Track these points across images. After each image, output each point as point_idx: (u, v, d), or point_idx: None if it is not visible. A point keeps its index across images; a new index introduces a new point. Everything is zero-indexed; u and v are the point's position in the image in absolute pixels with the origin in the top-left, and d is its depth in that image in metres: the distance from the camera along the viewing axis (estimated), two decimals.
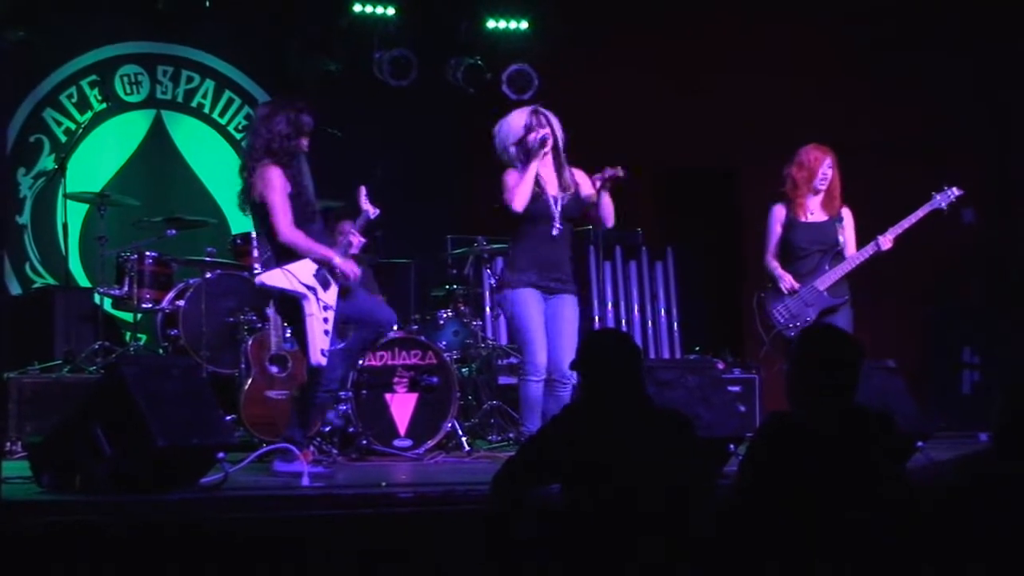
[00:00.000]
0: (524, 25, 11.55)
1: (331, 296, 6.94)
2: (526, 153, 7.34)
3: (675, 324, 11.55)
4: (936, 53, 10.67)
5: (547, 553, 4.73)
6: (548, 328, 7.26)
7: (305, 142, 7.03)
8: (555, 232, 7.31)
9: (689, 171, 11.79)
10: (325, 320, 6.88)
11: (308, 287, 6.86)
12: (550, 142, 7.33)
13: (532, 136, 7.34)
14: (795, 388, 4.59)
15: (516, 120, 7.42)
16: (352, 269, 6.99)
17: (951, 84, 10.70)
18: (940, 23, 10.59)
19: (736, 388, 9.42)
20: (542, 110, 7.42)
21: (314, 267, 6.92)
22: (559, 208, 7.33)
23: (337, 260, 6.93)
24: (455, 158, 11.74)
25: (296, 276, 6.86)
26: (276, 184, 6.85)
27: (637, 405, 4.82)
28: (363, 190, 7.51)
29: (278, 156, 6.91)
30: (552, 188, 7.36)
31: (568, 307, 7.33)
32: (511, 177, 7.35)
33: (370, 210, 7.33)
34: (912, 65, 10.77)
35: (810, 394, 4.53)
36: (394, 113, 11.31)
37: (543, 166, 7.37)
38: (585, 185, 7.39)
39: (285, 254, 6.91)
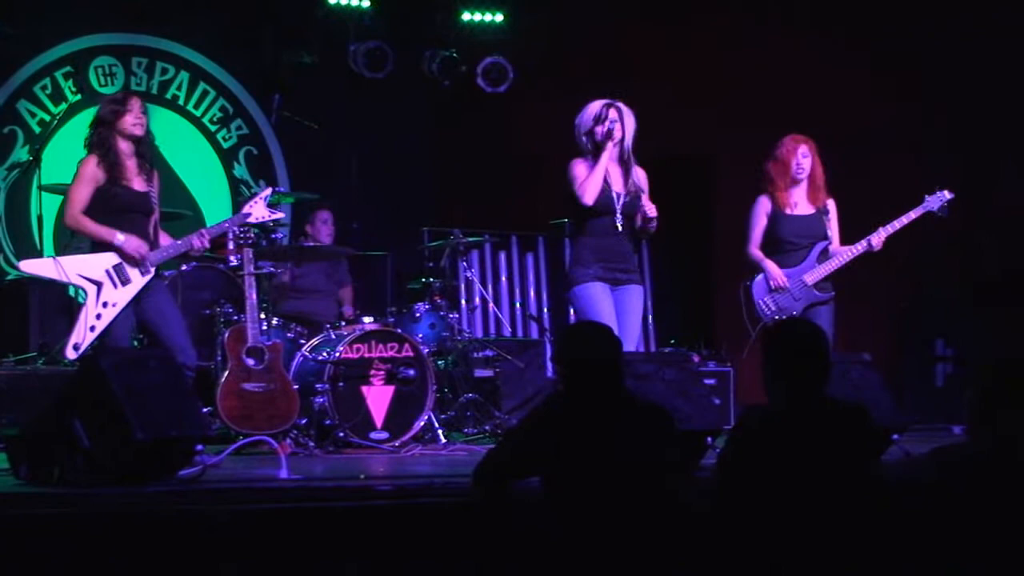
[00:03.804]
0: (499, 18, 11.56)
1: (121, 295, 6.96)
2: (594, 145, 7.29)
3: (650, 317, 11.58)
4: (915, 43, 10.71)
5: (527, 545, 4.75)
6: (618, 319, 7.15)
7: (128, 125, 7.01)
8: (619, 226, 7.29)
9: (664, 162, 11.80)
10: (98, 316, 6.90)
11: (90, 280, 6.93)
12: (617, 136, 7.28)
13: (599, 128, 7.26)
14: (769, 381, 4.63)
15: (591, 110, 7.33)
16: (135, 247, 6.96)
17: (929, 75, 10.74)
18: (923, 14, 10.63)
19: (711, 381, 9.45)
20: (617, 104, 7.35)
21: (112, 262, 6.97)
22: (620, 204, 7.28)
23: (117, 240, 6.92)
24: (431, 150, 11.76)
25: (69, 267, 6.96)
26: (83, 174, 6.97)
27: (617, 398, 4.83)
28: (266, 192, 7.65)
29: (100, 145, 6.99)
30: (617, 183, 7.31)
31: (634, 298, 7.31)
32: (578, 168, 7.27)
33: (253, 213, 7.53)
34: (890, 55, 10.81)
35: (783, 386, 4.57)
36: (369, 105, 11.32)
37: (611, 161, 7.30)
38: (645, 189, 7.37)
39: (77, 243, 7.12)
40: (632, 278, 7.36)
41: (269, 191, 7.80)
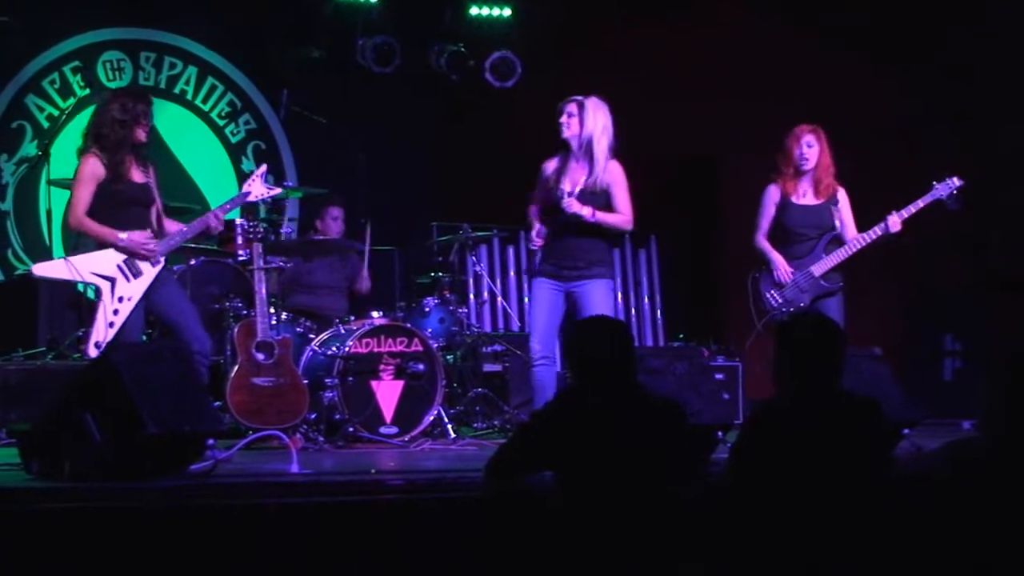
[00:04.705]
0: (507, 12, 11.55)
1: (134, 288, 7.01)
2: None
3: (658, 312, 11.58)
4: (920, 37, 10.70)
5: (539, 540, 4.75)
6: (576, 316, 7.21)
7: (141, 132, 7.12)
8: (570, 223, 7.28)
9: (671, 158, 11.82)
10: (116, 312, 6.96)
11: (104, 277, 6.99)
12: (568, 132, 7.31)
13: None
14: (782, 375, 4.62)
15: None
16: (139, 243, 7.01)
17: (934, 69, 10.73)
18: (928, 13, 10.62)
19: (720, 376, 9.43)
20: (579, 99, 7.34)
21: (120, 257, 7.04)
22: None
23: (121, 240, 6.99)
24: (439, 145, 11.74)
25: (82, 266, 7.01)
26: (84, 173, 7.05)
27: (629, 391, 4.83)
28: (262, 169, 7.71)
29: (102, 143, 7.04)
30: (570, 181, 7.31)
31: (593, 293, 7.26)
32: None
33: (252, 191, 7.59)
34: (894, 51, 10.80)
35: (796, 380, 4.57)
36: (377, 100, 11.30)
37: (571, 157, 7.35)
38: (616, 185, 7.33)
39: (84, 240, 7.14)
40: (589, 274, 7.30)
41: (264, 168, 7.83)
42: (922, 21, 10.65)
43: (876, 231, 7.78)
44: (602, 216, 7.26)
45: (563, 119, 7.31)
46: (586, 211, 7.20)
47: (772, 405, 4.66)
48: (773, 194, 7.93)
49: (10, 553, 4.72)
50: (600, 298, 7.26)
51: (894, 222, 7.74)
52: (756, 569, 4.42)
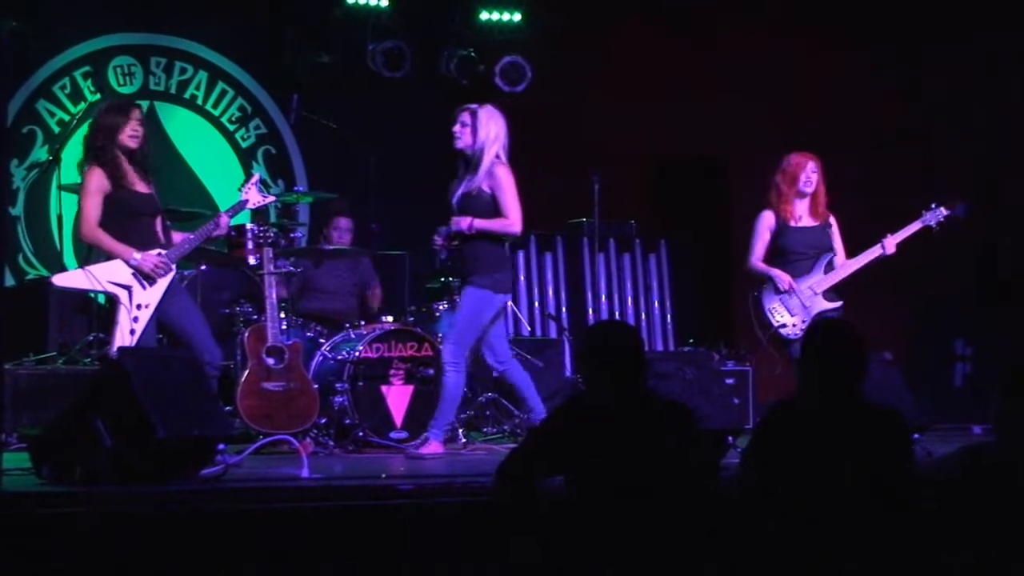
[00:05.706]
0: (517, 17, 11.55)
1: (151, 295, 7.07)
2: None
3: (668, 316, 11.56)
4: (928, 45, 10.70)
5: (550, 544, 4.75)
6: None
7: (131, 140, 7.15)
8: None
9: (681, 162, 11.82)
10: (135, 319, 7.01)
11: (121, 285, 7.03)
12: (458, 141, 7.57)
13: None
14: (806, 382, 4.62)
15: None
16: (152, 266, 7.05)
17: (942, 77, 10.73)
18: (933, 14, 10.62)
19: (730, 380, 9.44)
20: (472, 108, 7.58)
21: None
22: (456, 207, 7.58)
23: (134, 259, 7.03)
24: (448, 150, 11.71)
25: (100, 275, 7.04)
26: (90, 186, 7.09)
27: (639, 396, 4.83)
28: (255, 177, 7.82)
29: (101, 155, 7.09)
30: (460, 188, 7.58)
31: (462, 298, 7.61)
32: None
33: (250, 199, 7.67)
34: (903, 58, 10.80)
35: (818, 385, 4.57)
36: (388, 104, 11.30)
37: (466, 166, 7.60)
38: (499, 189, 7.49)
39: (96, 252, 7.16)
40: (468, 280, 7.58)
41: (257, 176, 8.01)
42: (932, 22, 10.65)
43: (874, 252, 7.95)
44: (481, 224, 7.51)
45: (456, 128, 7.49)
46: (463, 224, 7.52)
47: (787, 408, 4.65)
48: (768, 219, 8.08)
49: (21, 557, 4.72)
50: (464, 305, 7.58)
51: (889, 244, 7.97)
52: (769, 571, 4.41)
